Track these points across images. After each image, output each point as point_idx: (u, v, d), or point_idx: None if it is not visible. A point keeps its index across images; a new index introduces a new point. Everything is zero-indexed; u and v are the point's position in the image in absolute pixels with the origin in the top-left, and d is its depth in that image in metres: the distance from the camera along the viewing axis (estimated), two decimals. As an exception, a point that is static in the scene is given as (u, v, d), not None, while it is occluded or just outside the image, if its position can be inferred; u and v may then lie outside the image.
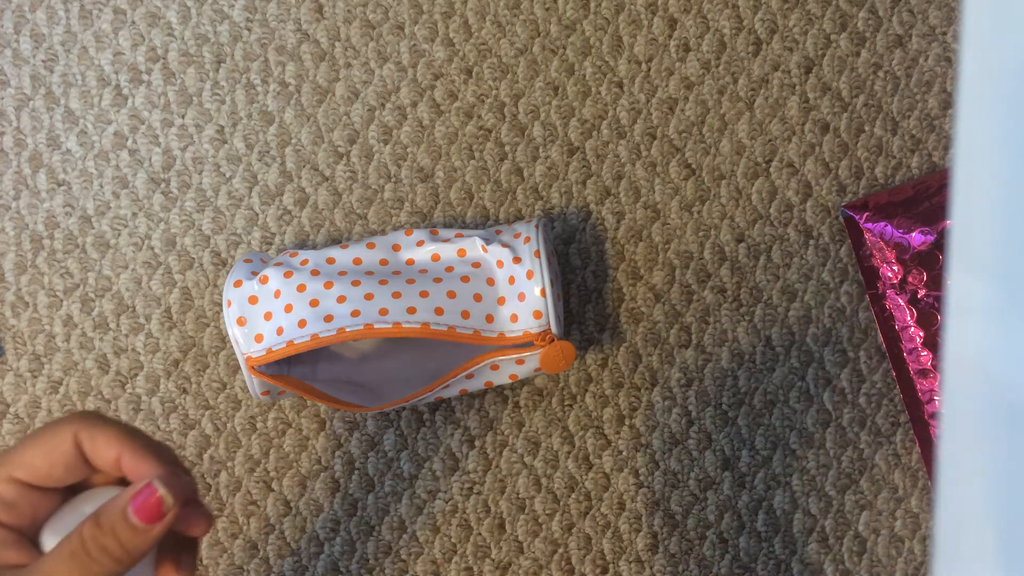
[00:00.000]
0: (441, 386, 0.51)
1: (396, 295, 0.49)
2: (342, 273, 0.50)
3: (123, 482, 0.35)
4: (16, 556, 0.32)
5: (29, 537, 0.33)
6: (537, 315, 0.50)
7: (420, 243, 0.52)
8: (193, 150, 0.58)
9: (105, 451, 0.33)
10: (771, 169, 0.58)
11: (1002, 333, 0.24)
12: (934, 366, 0.55)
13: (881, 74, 0.58)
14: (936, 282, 0.55)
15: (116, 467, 0.33)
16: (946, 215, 0.55)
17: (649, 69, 0.58)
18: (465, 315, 0.49)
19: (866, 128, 0.58)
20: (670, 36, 0.58)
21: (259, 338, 0.49)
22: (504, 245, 0.51)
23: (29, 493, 0.33)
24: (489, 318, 0.50)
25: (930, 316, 0.55)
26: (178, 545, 0.35)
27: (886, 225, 0.56)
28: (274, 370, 0.50)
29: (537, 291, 0.49)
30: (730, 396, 0.58)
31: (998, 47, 0.24)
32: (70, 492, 0.34)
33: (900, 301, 0.56)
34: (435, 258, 0.52)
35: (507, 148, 0.58)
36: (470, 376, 0.52)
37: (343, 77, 0.58)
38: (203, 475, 0.57)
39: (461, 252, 0.51)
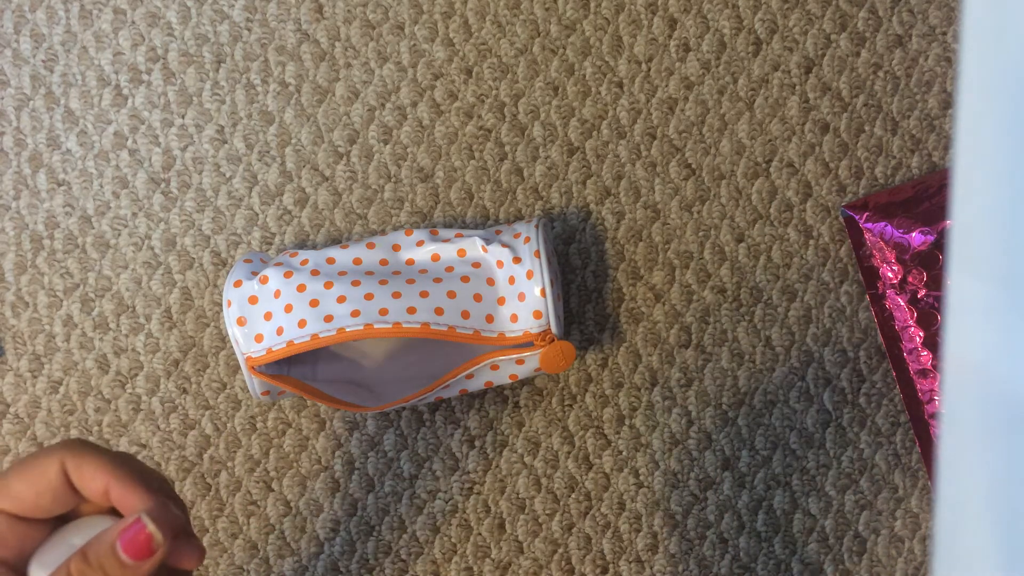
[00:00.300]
0: (441, 386, 0.51)
1: (396, 295, 0.49)
2: (342, 273, 0.50)
3: (114, 511, 0.34)
4: None
5: (17, 569, 0.32)
6: (537, 315, 0.50)
7: (420, 243, 0.52)
8: (193, 150, 0.58)
9: (93, 481, 0.32)
10: (771, 169, 0.58)
11: (1002, 333, 0.24)
12: (934, 366, 0.55)
13: (881, 74, 0.58)
14: (936, 282, 0.55)
15: (104, 497, 0.33)
16: (946, 215, 0.55)
17: (649, 69, 0.58)
18: (465, 315, 0.49)
19: (866, 128, 0.58)
20: (670, 36, 0.58)
21: (259, 338, 0.49)
22: (504, 245, 0.51)
23: (16, 524, 0.32)
24: (489, 318, 0.50)
25: (930, 316, 0.55)
26: None
27: (886, 225, 0.56)
28: (274, 370, 0.50)
29: (537, 291, 0.49)
30: (730, 396, 0.58)
31: (998, 47, 0.24)
32: (59, 521, 0.34)
33: (900, 301, 0.56)
34: (435, 258, 0.52)
35: (507, 148, 0.58)
36: (470, 376, 0.52)
37: (343, 77, 0.58)
38: (203, 475, 0.57)
39: (461, 252, 0.51)
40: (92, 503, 0.34)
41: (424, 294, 0.49)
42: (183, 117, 0.58)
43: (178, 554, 0.33)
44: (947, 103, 0.58)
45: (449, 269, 0.51)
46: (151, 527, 0.31)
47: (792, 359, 0.58)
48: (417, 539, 0.57)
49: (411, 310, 0.48)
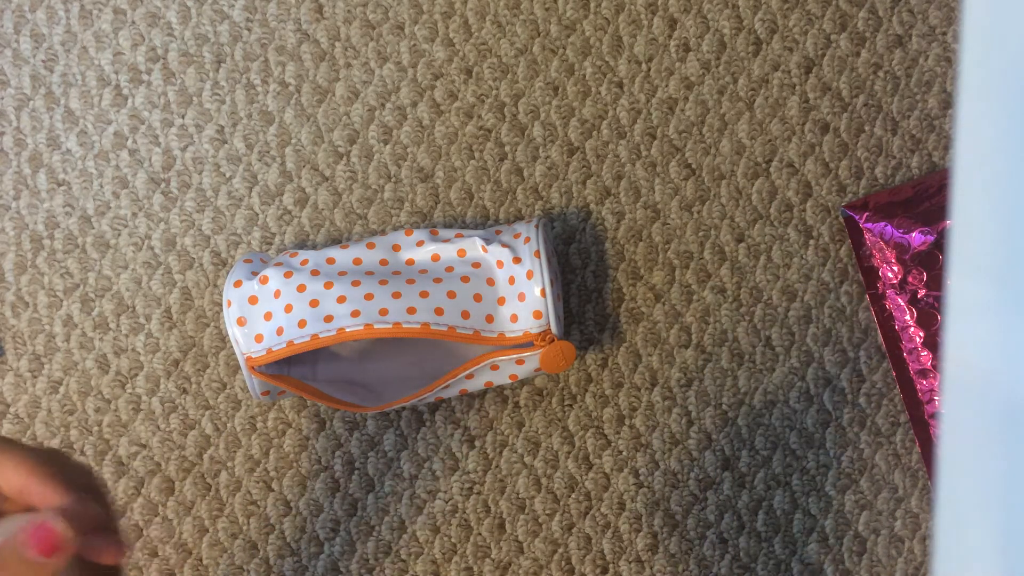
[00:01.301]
0: (441, 386, 0.51)
1: (396, 295, 0.49)
2: (342, 273, 0.50)
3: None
4: None
5: None
6: (537, 315, 0.50)
7: (420, 243, 0.52)
8: (193, 150, 0.58)
9: (13, 479, 0.32)
10: (771, 169, 0.58)
11: (1002, 333, 0.24)
12: (934, 366, 0.55)
13: (881, 74, 0.58)
14: (936, 282, 0.55)
15: (24, 495, 0.32)
16: (946, 215, 0.55)
17: (649, 69, 0.58)
18: (465, 315, 0.49)
19: (866, 128, 0.58)
20: (670, 36, 0.58)
21: (259, 338, 0.49)
22: (504, 245, 0.51)
23: None
24: (489, 318, 0.50)
25: (930, 316, 0.55)
26: (98, 572, 0.34)
27: (886, 225, 0.56)
28: (274, 370, 0.50)
29: (537, 291, 0.49)
30: (730, 396, 0.58)
31: (998, 47, 0.24)
32: None
33: (900, 301, 0.56)
34: (435, 258, 0.52)
35: (507, 148, 0.58)
36: (470, 376, 0.52)
37: (343, 77, 0.58)
38: (203, 475, 0.57)
39: (461, 252, 0.51)
40: (14, 502, 0.34)
41: (424, 294, 0.49)
42: (183, 117, 0.58)
43: (95, 550, 0.33)
44: (947, 103, 0.58)
45: (449, 269, 0.51)
46: (57, 522, 0.31)
47: (792, 359, 0.58)
48: (417, 539, 0.57)
49: (411, 310, 0.48)
